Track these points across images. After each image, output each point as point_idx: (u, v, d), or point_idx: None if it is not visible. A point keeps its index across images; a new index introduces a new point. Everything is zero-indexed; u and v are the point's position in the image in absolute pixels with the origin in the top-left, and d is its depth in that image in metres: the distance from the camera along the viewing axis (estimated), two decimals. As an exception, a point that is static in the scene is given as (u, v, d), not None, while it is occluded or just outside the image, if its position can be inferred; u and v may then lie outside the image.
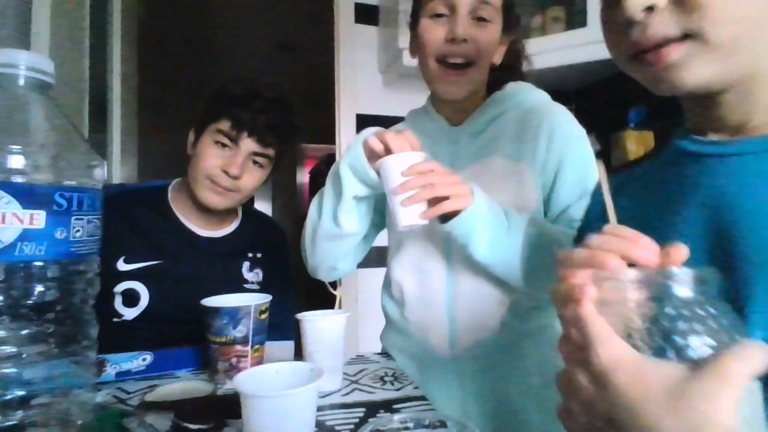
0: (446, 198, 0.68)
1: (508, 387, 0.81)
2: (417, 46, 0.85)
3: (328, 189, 0.81)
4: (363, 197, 0.78)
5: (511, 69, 0.90)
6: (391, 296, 0.92)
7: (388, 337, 0.95)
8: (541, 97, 0.88)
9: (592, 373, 0.32)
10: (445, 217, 0.71)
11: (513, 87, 0.87)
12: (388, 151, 0.71)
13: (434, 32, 0.79)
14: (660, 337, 0.32)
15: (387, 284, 0.94)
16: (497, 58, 0.85)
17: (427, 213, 0.68)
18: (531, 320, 0.81)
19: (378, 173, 0.72)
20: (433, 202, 0.68)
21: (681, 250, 0.35)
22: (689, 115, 0.49)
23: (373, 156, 0.73)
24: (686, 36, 0.39)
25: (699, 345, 0.31)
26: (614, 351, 0.31)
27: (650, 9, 0.38)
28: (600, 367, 0.32)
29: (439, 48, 0.79)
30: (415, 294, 0.86)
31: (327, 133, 2.31)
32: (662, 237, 0.43)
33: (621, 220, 0.41)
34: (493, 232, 0.71)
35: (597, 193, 0.60)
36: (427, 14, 0.80)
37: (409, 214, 0.68)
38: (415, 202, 0.67)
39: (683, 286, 0.32)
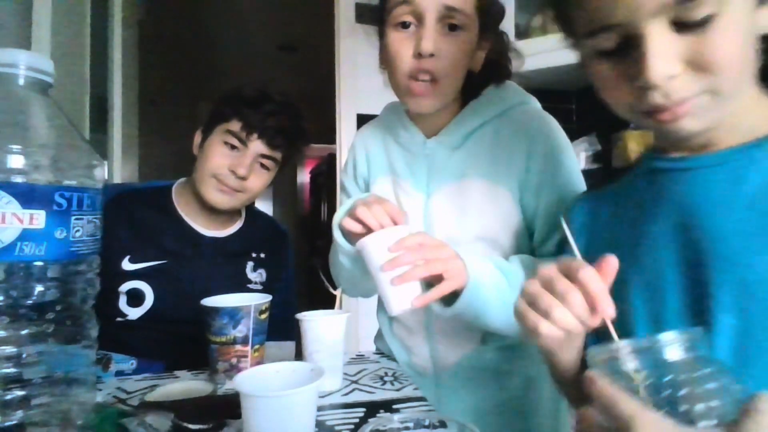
0: (440, 276, 0.63)
1: (487, 406, 0.79)
2: (385, 58, 0.77)
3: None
4: None
5: (493, 69, 0.80)
6: (382, 309, 0.91)
7: (380, 341, 0.95)
8: (521, 102, 0.81)
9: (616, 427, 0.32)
10: (446, 298, 0.66)
11: (491, 94, 0.80)
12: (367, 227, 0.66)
13: (402, 47, 0.71)
14: (666, 405, 0.32)
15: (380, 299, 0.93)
16: (475, 65, 0.77)
17: (422, 299, 0.63)
18: (514, 348, 0.79)
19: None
20: (426, 280, 0.64)
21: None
22: (657, 136, 0.53)
23: (353, 236, 0.69)
24: (702, 92, 0.41)
25: (703, 410, 0.31)
26: (653, 425, 0.31)
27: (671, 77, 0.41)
28: (621, 421, 0.32)
29: (408, 65, 0.71)
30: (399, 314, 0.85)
31: (327, 133, 2.31)
32: (635, 248, 0.50)
33: (595, 239, 0.48)
34: (501, 301, 0.66)
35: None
36: (393, 23, 0.72)
37: (401, 297, 0.63)
38: (406, 280, 0.62)
39: (672, 349, 0.33)
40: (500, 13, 0.79)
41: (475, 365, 0.80)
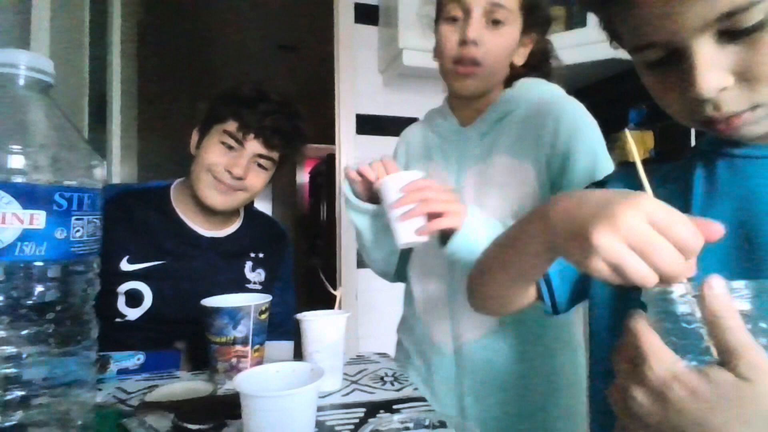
0: (441, 215, 0.70)
1: (507, 387, 0.81)
2: (437, 48, 0.86)
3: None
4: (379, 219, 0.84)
5: (535, 69, 0.89)
6: (409, 293, 0.96)
7: (402, 328, 0.99)
8: (550, 91, 0.86)
9: (649, 388, 0.33)
10: (445, 239, 0.73)
11: (522, 84, 0.87)
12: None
13: (449, 36, 0.81)
14: (699, 352, 0.32)
15: (407, 283, 0.97)
16: (518, 59, 0.86)
17: (422, 230, 0.71)
18: (533, 325, 0.81)
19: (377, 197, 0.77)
20: (429, 219, 0.71)
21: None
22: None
23: (360, 185, 0.82)
24: (755, 106, 0.40)
25: None
26: (666, 365, 0.32)
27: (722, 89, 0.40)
28: (656, 382, 0.32)
29: (453, 51, 0.81)
30: (422, 290, 0.91)
31: (327, 133, 2.31)
32: None
33: None
34: None
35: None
36: (444, 17, 0.82)
37: (407, 231, 0.72)
38: (410, 217, 0.70)
39: (742, 299, 0.32)
40: (544, 15, 0.86)
41: (495, 346, 0.82)
